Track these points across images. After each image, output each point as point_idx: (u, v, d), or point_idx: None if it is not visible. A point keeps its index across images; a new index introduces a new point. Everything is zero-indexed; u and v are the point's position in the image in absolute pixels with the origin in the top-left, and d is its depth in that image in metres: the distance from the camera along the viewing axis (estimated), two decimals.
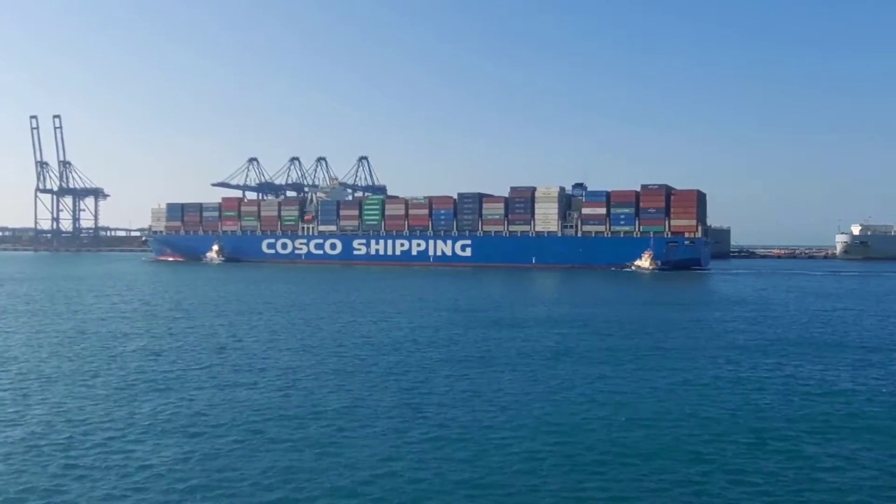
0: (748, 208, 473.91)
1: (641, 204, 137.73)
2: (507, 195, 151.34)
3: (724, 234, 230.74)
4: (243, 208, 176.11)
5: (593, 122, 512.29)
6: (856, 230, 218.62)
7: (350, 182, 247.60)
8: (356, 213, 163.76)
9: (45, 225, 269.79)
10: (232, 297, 65.91)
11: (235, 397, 24.47)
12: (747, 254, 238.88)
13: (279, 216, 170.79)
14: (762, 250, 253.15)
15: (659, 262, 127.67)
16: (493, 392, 25.57)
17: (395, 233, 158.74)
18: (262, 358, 32.40)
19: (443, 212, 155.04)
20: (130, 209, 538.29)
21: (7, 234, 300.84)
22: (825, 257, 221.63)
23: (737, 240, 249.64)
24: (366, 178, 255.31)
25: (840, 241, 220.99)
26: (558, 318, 49.48)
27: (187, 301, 61.98)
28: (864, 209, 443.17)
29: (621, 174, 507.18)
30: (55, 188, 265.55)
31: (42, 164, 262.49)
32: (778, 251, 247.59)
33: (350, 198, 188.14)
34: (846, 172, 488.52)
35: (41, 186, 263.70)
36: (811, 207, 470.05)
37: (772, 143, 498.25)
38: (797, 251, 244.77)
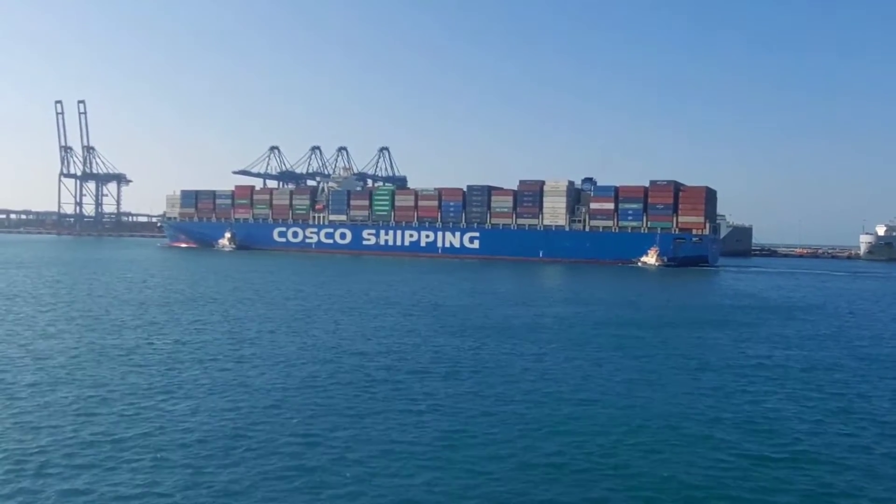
0: (772, 207, 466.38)
1: (650, 200, 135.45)
2: (516, 188, 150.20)
3: (745, 232, 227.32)
4: (256, 196, 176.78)
5: (605, 118, 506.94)
6: (881, 230, 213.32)
7: (371, 172, 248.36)
8: (367, 203, 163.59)
9: (69, 209, 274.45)
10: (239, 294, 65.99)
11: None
12: (768, 252, 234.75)
13: (291, 205, 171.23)
14: (784, 249, 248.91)
15: (665, 259, 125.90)
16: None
17: (404, 223, 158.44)
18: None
19: (452, 204, 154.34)
20: (153, 195, 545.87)
21: (31, 217, 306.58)
22: (848, 258, 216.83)
23: (759, 238, 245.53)
24: (386, 169, 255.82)
25: (864, 241, 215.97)
26: (576, 330, 47.97)
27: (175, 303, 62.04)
28: (889, 210, 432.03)
29: (635, 171, 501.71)
30: (79, 173, 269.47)
31: (66, 149, 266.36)
32: (800, 250, 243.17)
33: (360, 188, 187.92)
34: (872, 172, 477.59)
35: (65, 171, 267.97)
36: (836, 207, 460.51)
37: (797, 142, 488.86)
38: (820, 251, 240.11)
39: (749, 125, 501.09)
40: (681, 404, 23.90)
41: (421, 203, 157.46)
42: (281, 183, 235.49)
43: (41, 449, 17.56)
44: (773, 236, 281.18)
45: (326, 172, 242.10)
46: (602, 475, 16.99)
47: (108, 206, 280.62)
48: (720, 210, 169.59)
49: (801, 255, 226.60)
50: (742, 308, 57.46)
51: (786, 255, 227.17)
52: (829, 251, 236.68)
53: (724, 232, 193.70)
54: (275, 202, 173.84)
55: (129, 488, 15.38)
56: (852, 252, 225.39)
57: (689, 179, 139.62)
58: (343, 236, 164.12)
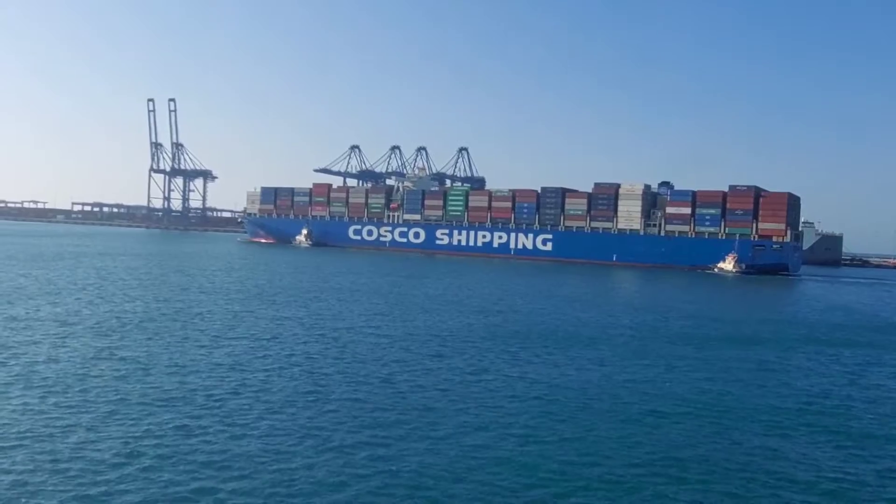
0: (866, 216, 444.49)
1: (728, 205, 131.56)
2: (590, 191, 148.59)
3: (835, 240, 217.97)
4: (332, 194, 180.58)
5: (683, 122, 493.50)
6: None
7: (449, 173, 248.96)
8: (440, 203, 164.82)
9: (157, 203, 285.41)
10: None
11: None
12: (860, 262, 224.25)
13: (366, 203, 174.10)
14: (877, 259, 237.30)
15: (743, 266, 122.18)
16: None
17: (477, 224, 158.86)
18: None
19: (525, 205, 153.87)
20: (237, 191, 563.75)
21: (122, 210, 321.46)
22: None
23: (851, 247, 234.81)
24: (465, 170, 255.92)
25: None
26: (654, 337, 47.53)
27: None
28: None
29: (714, 176, 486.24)
30: (168, 169, 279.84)
31: (156, 146, 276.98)
32: (894, 261, 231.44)
33: (436, 188, 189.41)
34: None
35: (155, 167, 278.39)
36: None
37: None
38: None
39: (843, 131, 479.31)
40: (760, 431, 22.92)
41: (494, 204, 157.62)
42: (360, 181, 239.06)
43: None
44: (867, 246, 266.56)
45: (405, 172, 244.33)
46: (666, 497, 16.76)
47: (195, 202, 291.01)
48: (809, 218, 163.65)
49: (895, 266, 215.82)
50: (829, 324, 55.32)
51: (878, 266, 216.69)
52: None
53: (812, 240, 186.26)
54: (351, 200, 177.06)
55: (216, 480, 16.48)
56: None
57: (774, 186, 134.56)
58: (416, 235, 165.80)
